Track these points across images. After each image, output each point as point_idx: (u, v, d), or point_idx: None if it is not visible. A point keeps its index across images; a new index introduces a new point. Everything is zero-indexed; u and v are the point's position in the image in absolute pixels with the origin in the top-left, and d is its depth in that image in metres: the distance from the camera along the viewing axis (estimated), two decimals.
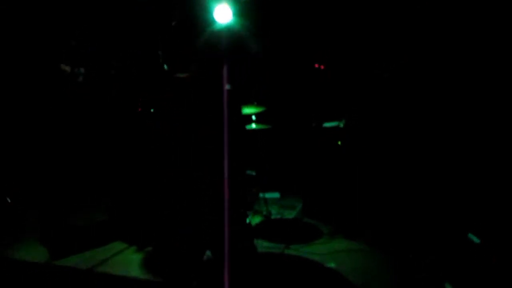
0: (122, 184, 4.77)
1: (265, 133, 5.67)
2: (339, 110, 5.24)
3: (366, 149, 4.84)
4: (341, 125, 5.04)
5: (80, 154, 5.95)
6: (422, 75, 4.74)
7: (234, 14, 5.27)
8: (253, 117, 4.99)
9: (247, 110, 4.74)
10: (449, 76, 4.59)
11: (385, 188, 4.69)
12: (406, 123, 4.72)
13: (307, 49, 6.29)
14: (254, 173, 4.77)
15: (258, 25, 5.81)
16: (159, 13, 5.42)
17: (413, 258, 3.96)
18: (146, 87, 2.48)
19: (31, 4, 5.56)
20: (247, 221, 4.46)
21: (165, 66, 4.10)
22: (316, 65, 6.19)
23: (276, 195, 6.09)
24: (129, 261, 4.01)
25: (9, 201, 5.47)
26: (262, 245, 4.32)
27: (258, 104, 4.80)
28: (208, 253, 2.61)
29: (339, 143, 5.00)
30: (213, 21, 5.23)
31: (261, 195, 5.01)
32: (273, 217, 5.15)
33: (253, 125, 4.96)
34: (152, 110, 2.45)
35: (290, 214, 5.34)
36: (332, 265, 3.85)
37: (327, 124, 5.20)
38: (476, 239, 4.07)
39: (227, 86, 2.55)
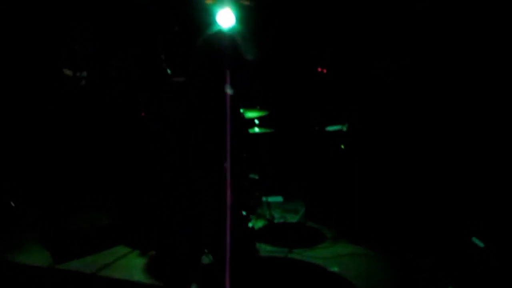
0: (123, 184, 4.78)
1: (268, 137, 5.66)
2: (342, 113, 5.24)
3: (369, 153, 4.83)
4: (344, 128, 5.03)
5: (80, 155, 5.96)
6: (423, 77, 4.74)
7: (237, 19, 5.32)
8: (256, 121, 4.99)
9: (250, 114, 4.75)
10: (450, 77, 4.58)
11: (389, 192, 4.68)
12: (408, 126, 4.72)
13: (310, 53, 6.30)
14: (257, 177, 4.77)
15: (259, 29, 5.85)
16: (159, 13, 5.45)
17: (415, 260, 3.95)
18: (146, 87, 2.49)
19: (32, 5, 5.58)
20: (250, 225, 4.47)
21: (168, 71, 4.12)
22: (319, 69, 6.20)
23: (279, 199, 6.08)
24: (132, 265, 4.01)
25: (13, 205, 5.48)
26: (265, 249, 4.31)
27: (261, 108, 4.80)
28: (209, 256, 2.61)
29: (342, 147, 4.99)
30: (215, 26, 5.27)
31: (264, 199, 5.01)
32: (276, 221, 5.15)
33: (256, 129, 4.96)
34: (152, 110, 2.46)
35: (293, 218, 5.34)
36: (335, 269, 3.84)
37: (330, 128, 5.20)
38: (480, 243, 4.06)
39: (227, 88, 2.56)
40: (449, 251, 4.10)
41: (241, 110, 4.61)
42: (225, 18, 5.23)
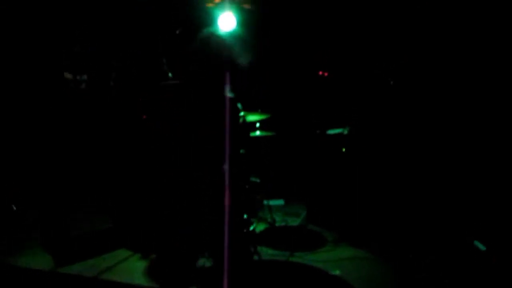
0: (123, 184, 4.78)
1: (269, 140, 5.67)
2: (343, 117, 5.24)
3: (371, 156, 4.83)
4: (345, 132, 5.03)
5: (81, 156, 5.97)
6: (424, 79, 4.73)
7: (238, 22, 5.34)
8: (257, 124, 5.00)
9: (251, 117, 4.75)
10: (451, 78, 4.57)
11: (390, 196, 4.67)
12: (410, 130, 4.72)
13: (310, 55, 6.31)
14: (258, 180, 4.76)
15: (260, 31, 5.87)
16: (159, 13, 5.46)
17: (415, 260, 3.95)
18: (146, 87, 2.50)
19: (32, 6, 5.60)
20: (251, 228, 4.46)
21: (170, 74, 4.13)
22: (320, 72, 6.20)
23: (280, 202, 6.08)
24: (133, 269, 4.01)
25: (14, 208, 5.49)
26: (267, 252, 4.31)
27: (262, 112, 4.80)
28: (209, 258, 2.61)
29: (343, 150, 4.99)
30: (211, 26, 5.28)
31: (265, 202, 5.01)
32: (277, 224, 5.14)
33: (257, 132, 4.97)
34: (152, 111, 2.46)
35: (294, 221, 5.33)
36: (336, 272, 3.83)
37: (331, 131, 5.20)
38: (482, 247, 4.05)
39: (226, 90, 2.56)
40: (449, 253, 4.09)
41: (242, 113, 4.62)
42: (226, 21, 5.26)
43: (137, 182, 4.54)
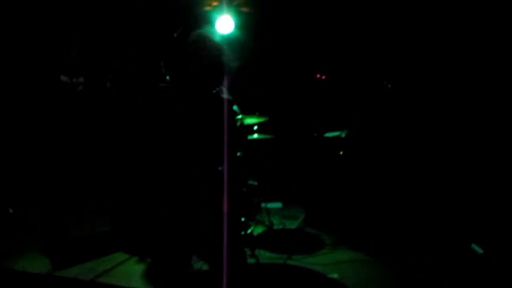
0: (123, 184, 4.78)
1: (267, 143, 5.67)
2: (341, 120, 5.25)
3: (368, 159, 4.84)
4: (343, 135, 5.04)
5: (80, 157, 5.97)
6: (422, 81, 4.74)
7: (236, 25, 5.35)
8: (255, 127, 5.00)
9: (249, 120, 4.75)
10: (450, 80, 4.58)
11: (388, 198, 4.68)
12: (408, 133, 4.72)
13: (309, 59, 6.32)
14: (256, 183, 4.76)
15: (256, 36, 5.88)
16: (159, 13, 5.47)
17: (415, 260, 3.95)
18: (146, 87, 2.50)
19: (32, 6, 5.59)
20: (249, 231, 4.46)
21: (167, 77, 4.13)
22: (318, 75, 6.21)
23: (278, 205, 6.07)
24: (131, 272, 4.00)
25: (11, 211, 5.47)
26: (264, 255, 4.30)
27: (260, 114, 4.80)
28: (205, 261, 2.60)
29: (341, 153, 5.00)
30: (203, 28, 5.29)
31: (263, 205, 5.00)
32: (275, 227, 5.13)
33: (255, 135, 4.96)
34: (152, 110, 2.46)
35: (292, 224, 5.33)
36: (335, 275, 3.83)
37: (328, 134, 5.21)
38: (479, 250, 4.06)
39: (222, 92, 2.56)
40: (449, 253, 4.10)
41: (240, 116, 4.62)
42: (224, 24, 5.27)
43: (136, 182, 4.54)
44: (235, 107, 5.02)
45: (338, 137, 5.09)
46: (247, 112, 4.79)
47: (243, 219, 4.49)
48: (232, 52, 2.56)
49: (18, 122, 5.97)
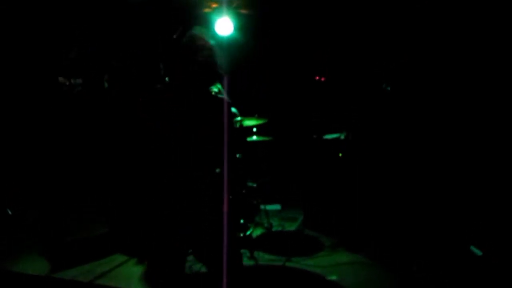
0: (122, 184, 4.78)
1: (266, 145, 5.67)
2: (340, 122, 5.25)
3: (367, 161, 4.84)
4: (342, 137, 5.04)
5: (80, 158, 5.97)
6: (422, 82, 4.74)
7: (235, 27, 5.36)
8: (254, 129, 5.00)
9: (248, 122, 4.75)
10: (450, 81, 4.58)
11: (387, 200, 4.68)
12: (408, 135, 4.73)
13: (308, 61, 6.33)
14: (255, 185, 4.76)
15: (255, 37, 5.89)
16: (159, 13, 5.48)
17: (414, 262, 3.95)
18: (146, 87, 2.50)
19: (32, 6, 5.60)
20: (248, 233, 4.45)
21: (167, 79, 4.13)
22: (317, 77, 6.22)
23: (277, 207, 6.07)
24: (129, 274, 3.99)
25: (10, 213, 5.47)
26: (263, 257, 4.30)
27: (259, 116, 4.81)
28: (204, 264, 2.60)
29: (340, 155, 5.00)
30: (214, 34, 5.30)
31: (262, 207, 5.00)
32: (274, 229, 5.13)
33: (254, 137, 4.97)
34: (152, 110, 2.46)
35: (291, 226, 5.32)
36: (334, 278, 3.82)
37: (327, 136, 5.21)
38: (478, 252, 4.06)
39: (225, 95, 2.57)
40: (448, 254, 4.09)
41: (239, 118, 4.62)
42: (224, 26, 5.28)
43: (136, 182, 4.54)
44: (234, 110, 5.03)
45: (337, 139, 5.09)
46: (246, 114, 4.80)
47: (242, 221, 4.48)
48: (225, 52, 2.57)
49: (19, 123, 5.97)
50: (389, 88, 4.77)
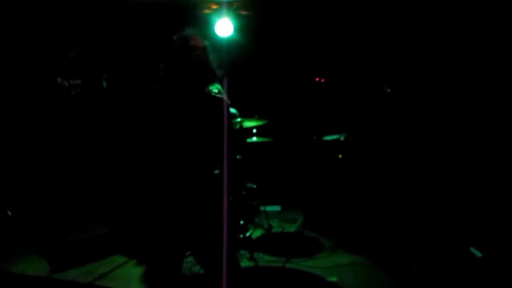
0: (121, 185, 4.78)
1: (266, 146, 5.67)
2: (340, 123, 5.25)
3: (367, 162, 4.84)
4: (342, 138, 5.04)
5: (80, 158, 5.98)
6: (422, 82, 4.74)
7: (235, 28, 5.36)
8: (254, 131, 5.00)
9: (248, 124, 4.76)
10: (449, 82, 4.58)
11: (387, 201, 4.68)
12: (407, 136, 4.73)
13: (308, 62, 6.33)
14: (255, 186, 4.76)
15: (255, 38, 5.89)
16: (159, 14, 5.48)
17: (414, 262, 3.96)
18: (146, 88, 2.50)
19: (33, 6, 5.60)
20: (248, 234, 4.46)
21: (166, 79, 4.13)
22: (317, 79, 6.22)
23: (277, 208, 6.07)
24: (129, 275, 4.00)
25: (10, 213, 5.47)
26: (263, 258, 4.30)
27: (259, 118, 4.81)
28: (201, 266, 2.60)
29: (340, 156, 5.00)
30: (214, 35, 5.31)
31: (262, 208, 5.00)
32: (274, 230, 5.13)
33: (254, 138, 4.97)
34: (152, 110, 2.47)
35: (291, 228, 5.32)
36: (334, 279, 3.82)
37: (327, 137, 5.21)
38: (478, 253, 4.06)
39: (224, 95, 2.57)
40: (448, 254, 4.10)
41: (239, 119, 4.63)
42: (224, 28, 5.29)
43: (136, 183, 4.54)
44: (234, 111, 5.04)
45: (337, 140, 5.09)
46: (246, 115, 4.80)
47: (242, 222, 4.49)
48: (218, 53, 2.57)
49: (19, 123, 5.98)
50: (389, 90, 4.76)
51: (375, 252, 4.34)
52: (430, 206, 4.52)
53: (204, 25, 5.33)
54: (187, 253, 3.64)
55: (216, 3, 5.31)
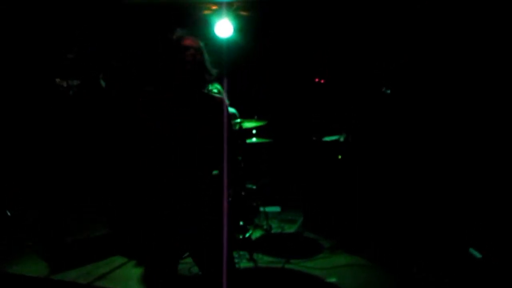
0: (121, 185, 4.78)
1: (266, 147, 5.67)
2: (340, 123, 5.25)
3: (367, 163, 4.84)
4: (341, 139, 5.04)
5: (79, 158, 5.97)
6: (422, 83, 4.73)
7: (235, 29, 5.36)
8: (254, 131, 5.00)
9: (248, 124, 4.76)
10: (449, 83, 4.57)
11: (387, 202, 4.67)
12: (407, 137, 4.73)
13: (307, 63, 6.33)
14: (254, 187, 4.76)
15: (255, 39, 5.89)
16: (159, 14, 5.48)
17: (415, 261, 3.96)
18: (145, 87, 2.51)
19: (33, 7, 5.60)
20: (247, 235, 4.46)
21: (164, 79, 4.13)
22: (317, 79, 6.22)
23: (276, 209, 6.07)
24: (128, 276, 3.99)
25: (9, 214, 5.47)
26: (263, 259, 4.30)
27: (259, 118, 4.81)
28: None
29: (340, 157, 5.00)
30: (213, 36, 5.31)
31: (261, 209, 5.00)
32: (273, 231, 5.13)
33: (254, 139, 4.97)
34: (152, 110, 2.47)
35: (290, 228, 5.32)
36: (333, 279, 3.82)
37: (327, 138, 5.21)
38: (477, 254, 4.06)
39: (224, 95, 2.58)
40: (448, 255, 4.10)
41: (239, 120, 4.63)
42: (224, 28, 5.29)
43: (135, 183, 4.54)
44: (234, 111, 5.04)
45: (336, 141, 5.09)
46: (246, 116, 4.81)
47: (241, 222, 4.49)
48: (214, 52, 2.58)
49: (19, 123, 5.98)
50: (388, 92, 4.76)
51: (375, 253, 4.34)
52: (430, 207, 4.51)
53: (204, 26, 5.34)
54: (186, 254, 3.65)
55: (216, 4, 5.32)
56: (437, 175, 4.55)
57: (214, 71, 2.52)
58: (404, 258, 4.15)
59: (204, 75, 2.48)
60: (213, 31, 5.32)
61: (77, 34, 5.54)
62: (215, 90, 4.69)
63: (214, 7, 5.35)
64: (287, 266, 4.15)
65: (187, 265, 4.00)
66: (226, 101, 2.57)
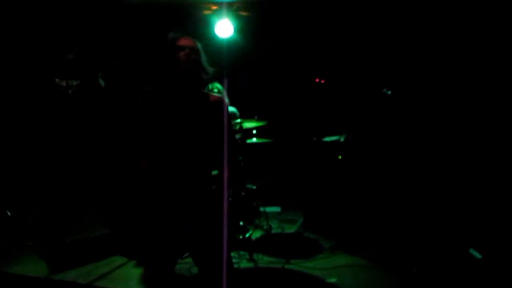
0: (121, 185, 4.78)
1: (266, 147, 5.67)
2: (340, 123, 5.25)
3: (367, 164, 4.84)
4: (342, 139, 5.04)
5: (79, 158, 5.97)
6: (422, 83, 4.73)
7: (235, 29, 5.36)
8: (254, 131, 5.00)
9: (248, 124, 4.76)
10: (450, 83, 4.57)
11: (387, 203, 4.67)
12: (407, 137, 4.73)
13: (308, 63, 6.33)
14: (254, 187, 4.76)
15: (256, 39, 5.89)
16: (159, 14, 5.48)
17: (415, 261, 3.95)
18: (145, 87, 2.51)
19: (31, 6, 5.61)
20: (247, 235, 4.46)
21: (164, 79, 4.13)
22: (317, 80, 6.22)
23: (276, 209, 6.07)
24: (128, 276, 3.99)
25: (9, 214, 5.47)
26: (263, 259, 4.30)
27: (259, 118, 4.81)
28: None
29: (340, 157, 5.00)
30: (213, 36, 5.31)
31: (261, 209, 5.00)
32: (273, 231, 5.13)
33: (254, 139, 4.97)
34: (152, 110, 2.48)
35: (290, 229, 5.32)
36: (333, 280, 3.82)
37: (327, 139, 5.21)
38: (477, 255, 4.06)
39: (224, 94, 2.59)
40: (448, 255, 4.09)
41: (239, 120, 4.63)
42: (224, 28, 5.29)
43: (135, 183, 4.54)
44: (235, 110, 5.04)
45: (337, 141, 5.09)
46: (246, 116, 4.81)
47: (241, 223, 4.49)
48: (212, 52, 2.59)
49: (19, 123, 5.98)
50: (389, 92, 4.76)
51: (375, 253, 4.34)
52: (430, 207, 4.51)
53: (204, 26, 5.34)
54: (186, 254, 3.65)
55: (216, 4, 5.32)
56: (437, 175, 4.55)
57: (210, 70, 2.52)
58: (404, 259, 4.15)
59: (201, 74, 2.48)
60: (213, 31, 5.33)
61: (77, 34, 5.54)
62: (215, 90, 4.69)
63: (214, 7, 5.36)
64: (287, 266, 4.15)
65: (187, 265, 3.99)
66: (226, 101, 2.58)
